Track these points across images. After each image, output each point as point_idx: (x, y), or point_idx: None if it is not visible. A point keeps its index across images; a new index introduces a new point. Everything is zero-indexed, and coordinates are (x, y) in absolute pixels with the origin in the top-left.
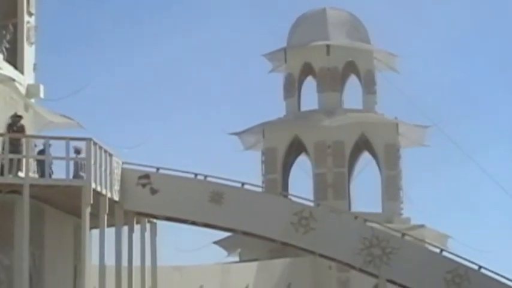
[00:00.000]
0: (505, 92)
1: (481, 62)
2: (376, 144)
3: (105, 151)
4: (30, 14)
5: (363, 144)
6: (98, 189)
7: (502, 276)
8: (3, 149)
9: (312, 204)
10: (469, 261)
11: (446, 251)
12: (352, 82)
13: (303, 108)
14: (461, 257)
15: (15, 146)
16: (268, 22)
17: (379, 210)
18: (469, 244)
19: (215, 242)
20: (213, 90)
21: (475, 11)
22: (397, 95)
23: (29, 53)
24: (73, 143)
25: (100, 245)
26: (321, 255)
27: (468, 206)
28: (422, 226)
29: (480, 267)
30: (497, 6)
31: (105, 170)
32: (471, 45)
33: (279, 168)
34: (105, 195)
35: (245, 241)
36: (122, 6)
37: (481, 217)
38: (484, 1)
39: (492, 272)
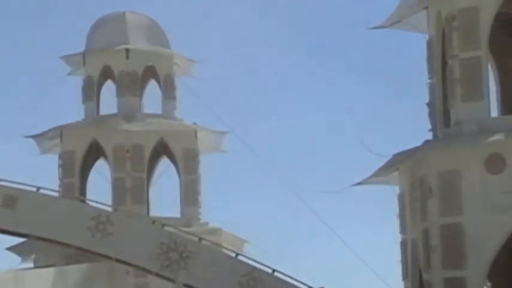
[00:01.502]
0: (298, 99)
1: (278, 67)
2: (175, 149)
3: None
4: None
5: (162, 149)
6: None
7: (293, 278)
8: None
9: (109, 208)
10: (264, 265)
11: (241, 255)
12: (152, 87)
13: (102, 112)
14: (256, 261)
15: None
16: (67, 24)
17: (177, 215)
18: (265, 248)
19: (8, 248)
20: (10, 91)
21: (273, 16)
22: (196, 101)
23: None
24: None
25: None
26: (118, 261)
27: (265, 211)
28: (219, 231)
29: (274, 270)
30: (298, 13)
31: None
32: (269, 51)
33: (76, 173)
34: None
35: (40, 247)
36: None
37: (276, 222)
38: (285, 7)
39: (285, 275)
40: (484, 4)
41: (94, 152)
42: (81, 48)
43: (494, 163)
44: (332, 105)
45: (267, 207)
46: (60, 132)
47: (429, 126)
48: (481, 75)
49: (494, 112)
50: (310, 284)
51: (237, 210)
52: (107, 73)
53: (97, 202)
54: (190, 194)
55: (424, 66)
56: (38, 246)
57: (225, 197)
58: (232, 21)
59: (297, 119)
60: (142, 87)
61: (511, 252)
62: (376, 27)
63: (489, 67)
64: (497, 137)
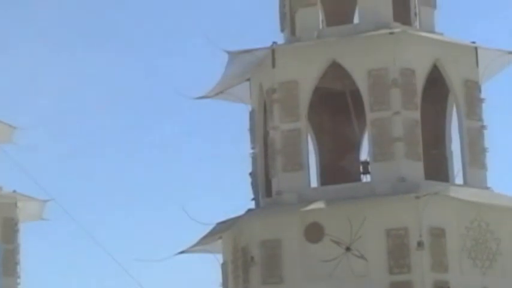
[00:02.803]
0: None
1: (99, 134)
2: None
3: None
4: None
5: None
6: None
7: None
8: None
9: None
10: None
11: None
12: None
13: None
14: None
15: None
16: None
17: None
18: None
19: None
20: None
21: (92, 84)
22: (16, 168)
23: None
24: None
25: None
26: None
27: (87, 280)
28: None
29: None
30: (119, 81)
31: None
32: (89, 118)
33: None
34: None
35: None
36: None
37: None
38: (104, 76)
39: None
40: (303, 78)
41: None
42: None
43: (313, 232)
44: (155, 173)
45: (90, 277)
46: None
47: (252, 196)
48: (301, 147)
49: (314, 182)
50: None
51: (59, 280)
52: None
53: None
54: (8, 264)
55: (247, 136)
56: None
57: (46, 266)
58: (53, 88)
59: (120, 187)
60: None
61: None
62: (200, 98)
63: (309, 138)
64: (317, 206)
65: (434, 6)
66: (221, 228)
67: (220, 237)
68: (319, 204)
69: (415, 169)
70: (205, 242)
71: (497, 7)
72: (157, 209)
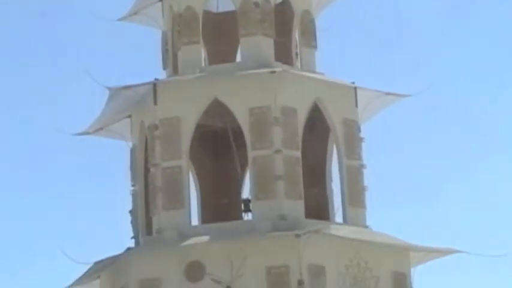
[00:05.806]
0: None
1: None
2: None
3: None
4: None
5: None
6: None
7: None
8: None
9: None
10: None
11: None
12: None
13: None
14: None
15: None
16: None
17: None
18: None
19: None
20: None
21: None
22: None
23: None
24: None
25: None
26: None
27: None
28: None
29: None
30: None
31: None
32: None
33: None
34: None
35: None
36: None
37: None
38: None
39: None
40: (185, 115)
41: None
42: None
43: (193, 271)
44: (32, 212)
45: None
46: None
47: (132, 234)
48: (183, 184)
49: (196, 220)
50: None
51: None
52: None
53: None
54: None
55: (128, 173)
56: None
57: None
58: None
59: None
60: None
61: None
62: (79, 134)
63: (191, 176)
64: (197, 245)
65: (315, 47)
66: (99, 268)
67: (99, 277)
68: (200, 239)
69: (295, 207)
70: (82, 282)
71: (379, 51)
72: (34, 248)
